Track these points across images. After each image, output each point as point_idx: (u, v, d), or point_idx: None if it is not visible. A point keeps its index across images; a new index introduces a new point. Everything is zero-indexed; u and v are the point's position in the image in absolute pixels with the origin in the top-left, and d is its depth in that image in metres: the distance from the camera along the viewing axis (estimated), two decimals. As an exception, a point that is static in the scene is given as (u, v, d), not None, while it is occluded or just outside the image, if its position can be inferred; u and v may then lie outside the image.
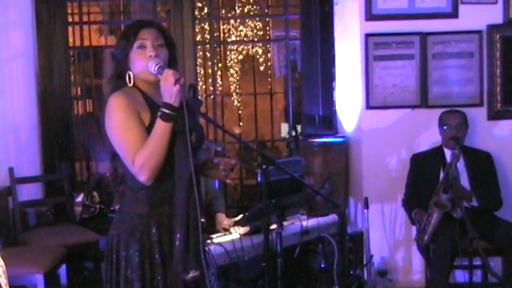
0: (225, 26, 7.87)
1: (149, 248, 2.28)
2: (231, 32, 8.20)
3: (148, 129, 2.23)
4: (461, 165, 4.22)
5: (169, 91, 2.17)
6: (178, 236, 2.20)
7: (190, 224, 2.22)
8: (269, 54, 8.45)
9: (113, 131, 2.25)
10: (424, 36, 4.61)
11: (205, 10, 6.98)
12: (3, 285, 1.24)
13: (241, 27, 8.24)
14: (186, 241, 2.21)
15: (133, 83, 2.33)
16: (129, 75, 2.32)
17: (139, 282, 2.25)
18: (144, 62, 2.28)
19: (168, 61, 2.34)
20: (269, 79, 7.62)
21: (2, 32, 4.81)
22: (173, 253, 2.24)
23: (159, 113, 2.19)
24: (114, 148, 2.33)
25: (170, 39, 2.40)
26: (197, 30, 6.38)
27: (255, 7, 7.87)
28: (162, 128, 2.19)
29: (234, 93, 8.62)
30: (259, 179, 3.83)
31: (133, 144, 2.20)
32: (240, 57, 8.61)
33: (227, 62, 8.45)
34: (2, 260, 1.24)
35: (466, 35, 4.60)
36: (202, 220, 2.24)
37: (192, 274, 2.20)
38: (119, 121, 2.23)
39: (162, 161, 2.21)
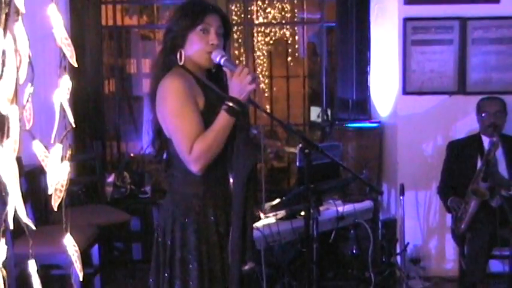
0: (252, 7, 7.78)
1: (206, 228, 2.24)
2: (259, 14, 8.12)
3: (203, 113, 2.20)
4: (499, 153, 4.14)
5: (243, 88, 2.15)
6: (233, 228, 2.18)
7: (248, 219, 2.20)
8: (296, 37, 8.36)
9: (168, 116, 2.21)
10: (464, 21, 4.52)
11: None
12: (77, 270, 1.21)
13: (268, 9, 8.16)
14: (243, 234, 2.19)
15: (183, 63, 2.29)
16: (181, 54, 2.28)
17: (196, 263, 2.21)
18: (203, 46, 2.25)
19: None
20: (293, 63, 7.56)
21: (35, 10, 4.77)
22: (228, 245, 2.22)
23: (224, 107, 2.16)
24: (158, 128, 2.30)
25: (229, 30, 2.37)
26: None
27: (283, -12, 7.79)
28: (225, 121, 2.16)
29: (260, 76, 8.55)
30: (298, 164, 3.83)
31: (190, 132, 2.16)
32: (267, 39, 8.54)
33: (254, 44, 8.38)
34: (76, 245, 1.21)
35: (508, 20, 4.50)
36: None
37: (249, 266, 2.19)
38: (176, 106, 2.18)
39: (218, 154, 2.19)
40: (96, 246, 4.26)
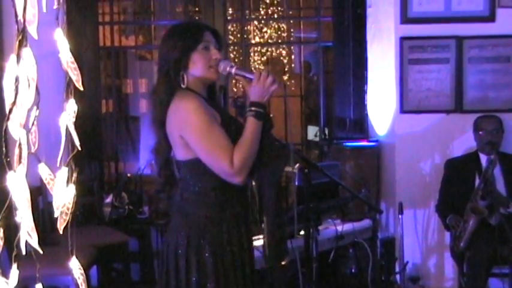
0: (248, 27, 7.80)
1: (220, 249, 2.25)
2: (255, 34, 8.15)
3: None
4: (497, 171, 4.15)
5: (266, 91, 2.21)
6: (267, 228, 2.23)
7: (278, 218, 2.26)
8: (293, 56, 8.39)
9: (198, 136, 2.19)
10: (460, 40, 4.54)
11: (230, 11, 6.93)
12: (83, 293, 1.20)
13: (265, 29, 8.20)
14: (278, 231, 2.24)
15: (186, 85, 2.29)
16: (183, 76, 2.27)
17: (214, 286, 2.21)
18: (207, 62, 2.27)
19: None
20: (290, 82, 7.59)
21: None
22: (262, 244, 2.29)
23: (251, 113, 2.20)
24: (167, 156, 2.31)
25: (222, 44, 2.41)
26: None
27: (279, 8, 7.82)
28: (256, 127, 2.21)
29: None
30: (296, 183, 3.83)
31: (227, 146, 2.18)
32: (263, 58, 8.56)
33: (251, 63, 8.41)
34: (82, 268, 1.20)
35: (503, 39, 4.52)
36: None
37: (285, 261, 2.25)
38: (204, 124, 2.18)
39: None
40: (94, 267, 4.25)
